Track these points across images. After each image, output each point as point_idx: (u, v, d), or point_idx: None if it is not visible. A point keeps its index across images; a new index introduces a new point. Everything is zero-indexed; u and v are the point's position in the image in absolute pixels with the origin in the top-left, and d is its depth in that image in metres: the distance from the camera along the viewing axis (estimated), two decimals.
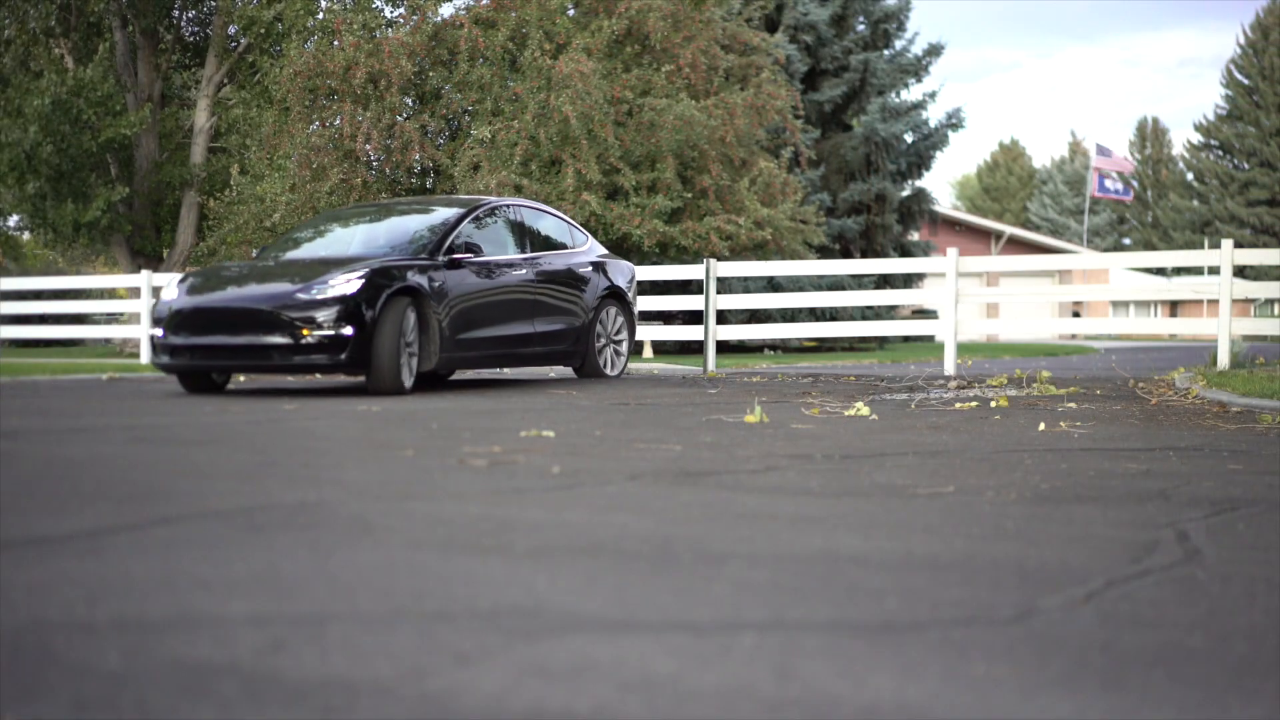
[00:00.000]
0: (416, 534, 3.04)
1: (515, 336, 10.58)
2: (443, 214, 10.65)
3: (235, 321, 9.17)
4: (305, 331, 8.93)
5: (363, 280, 9.07)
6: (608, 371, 11.71)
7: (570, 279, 11.33)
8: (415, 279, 9.43)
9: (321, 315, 8.95)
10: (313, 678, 1.80)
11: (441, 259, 9.89)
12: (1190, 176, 70.56)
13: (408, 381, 9.27)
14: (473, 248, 10.13)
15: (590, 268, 11.66)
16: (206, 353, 9.26)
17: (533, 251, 11.13)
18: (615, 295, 11.84)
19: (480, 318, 10.11)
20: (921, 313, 35.38)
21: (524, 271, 10.81)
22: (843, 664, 1.90)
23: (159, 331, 9.44)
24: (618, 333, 11.88)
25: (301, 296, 9.04)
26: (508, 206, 11.29)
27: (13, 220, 25.43)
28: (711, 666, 1.88)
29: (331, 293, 9.03)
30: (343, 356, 8.93)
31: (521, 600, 2.31)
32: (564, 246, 11.58)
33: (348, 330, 8.90)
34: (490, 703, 1.70)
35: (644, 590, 2.42)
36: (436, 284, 9.64)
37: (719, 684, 1.80)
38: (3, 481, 4.06)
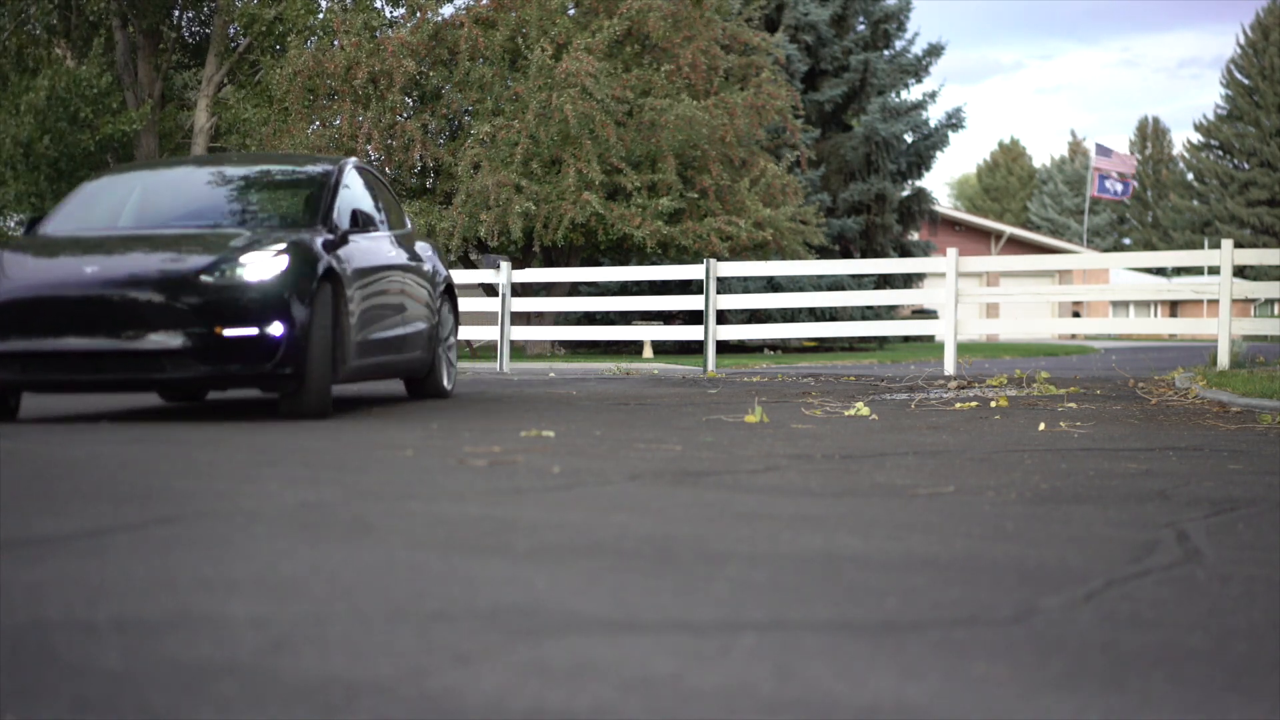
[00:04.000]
0: (416, 534, 3.04)
1: (395, 339, 7.98)
2: (299, 170, 8.32)
3: (99, 315, 6.39)
4: (219, 330, 6.34)
5: (289, 258, 6.58)
6: (446, 385, 9.00)
7: (421, 265, 8.67)
8: (330, 260, 6.91)
9: (242, 304, 6.41)
10: (313, 678, 1.80)
11: (331, 233, 7.24)
12: (1190, 176, 70.55)
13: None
14: (365, 219, 7.53)
15: (430, 250, 9.12)
16: (49, 365, 6.48)
17: (390, 228, 8.45)
18: (450, 288, 9.23)
19: (375, 315, 7.62)
20: (921, 313, 35.39)
21: (397, 254, 8.26)
22: (843, 664, 1.90)
23: None
24: (449, 336, 9.17)
25: (208, 279, 6.43)
26: (366, 168, 8.59)
27: (13, 221, 25.43)
28: (711, 666, 1.88)
29: (253, 274, 6.47)
30: (269, 366, 6.42)
31: (521, 600, 2.31)
32: (402, 224, 8.93)
33: (277, 329, 6.39)
34: (490, 703, 1.70)
35: (644, 590, 2.42)
36: (343, 267, 7.10)
37: (719, 684, 1.80)
38: (3, 481, 4.06)
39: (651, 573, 2.59)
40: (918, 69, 34.30)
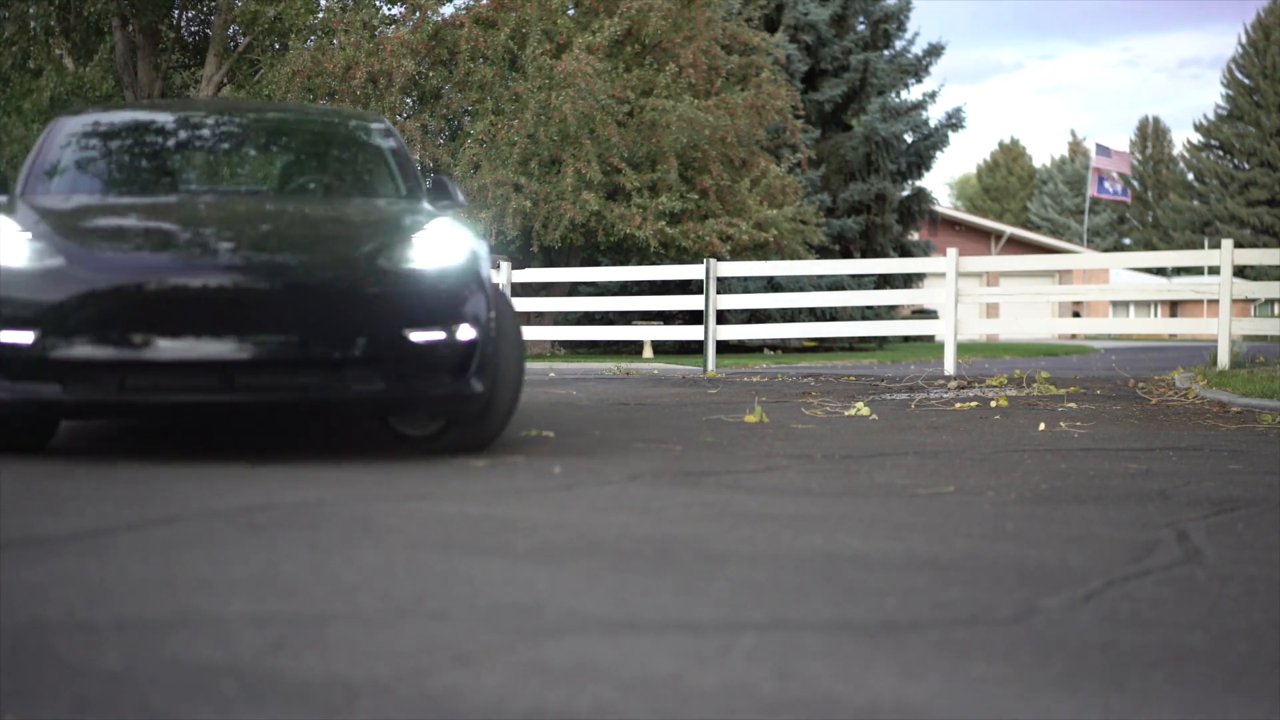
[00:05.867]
0: (416, 534, 3.04)
1: None
2: (348, 123, 6.57)
3: (236, 312, 4.48)
4: (407, 333, 4.65)
5: (463, 239, 5.03)
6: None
7: None
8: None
9: (426, 299, 4.74)
10: (313, 678, 1.80)
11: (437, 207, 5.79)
12: (1190, 176, 70.53)
13: None
14: (441, 189, 6.03)
15: None
16: (161, 379, 4.45)
17: None
18: None
19: None
20: (921, 313, 35.38)
21: None
22: (843, 664, 1.90)
23: (25, 335, 4.43)
24: None
25: (384, 265, 4.75)
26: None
27: None
28: (711, 666, 1.88)
29: (431, 258, 4.85)
30: (459, 382, 4.77)
31: (521, 600, 2.31)
32: None
33: (467, 332, 4.78)
34: (490, 703, 1.70)
35: (644, 590, 2.42)
36: None
37: (719, 684, 1.80)
38: (3, 481, 4.06)
39: (651, 573, 2.59)
40: (918, 69, 34.29)
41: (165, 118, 6.46)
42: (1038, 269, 40.28)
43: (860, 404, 7.67)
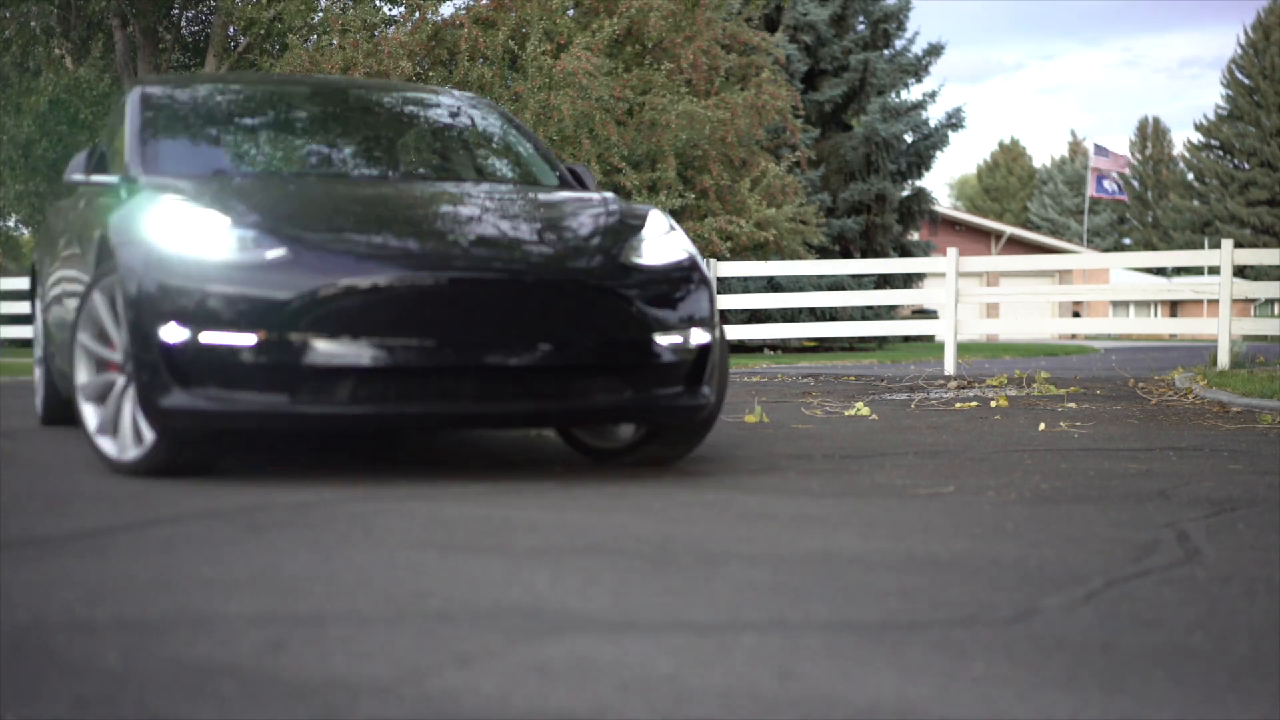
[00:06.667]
0: (416, 534, 3.04)
1: None
2: (463, 105, 5.97)
3: (477, 313, 3.97)
4: (654, 336, 4.22)
5: (679, 234, 4.63)
6: None
7: None
8: None
9: (665, 301, 4.30)
10: (313, 678, 1.80)
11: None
12: (1190, 176, 70.52)
13: None
14: (577, 178, 5.51)
15: None
16: (397, 387, 3.89)
17: None
18: None
19: None
20: (921, 313, 35.37)
21: None
22: (843, 664, 1.90)
23: (245, 337, 3.81)
24: None
25: (635, 261, 4.33)
26: None
27: (12, 220, 25.48)
28: (711, 666, 1.88)
29: (661, 255, 4.43)
30: (694, 390, 4.35)
31: (521, 600, 2.31)
32: None
33: (701, 336, 4.36)
34: (490, 703, 1.70)
35: (644, 590, 2.42)
36: None
37: (719, 684, 1.80)
38: (3, 481, 4.06)
39: (651, 573, 2.59)
40: (918, 69, 34.28)
41: (273, 91, 5.81)
42: (1038, 269, 40.28)
43: (860, 404, 7.67)
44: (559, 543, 2.93)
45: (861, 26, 33.62)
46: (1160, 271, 53.80)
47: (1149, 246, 70.09)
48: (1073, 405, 7.99)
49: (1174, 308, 51.06)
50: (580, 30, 21.49)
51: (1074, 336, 43.74)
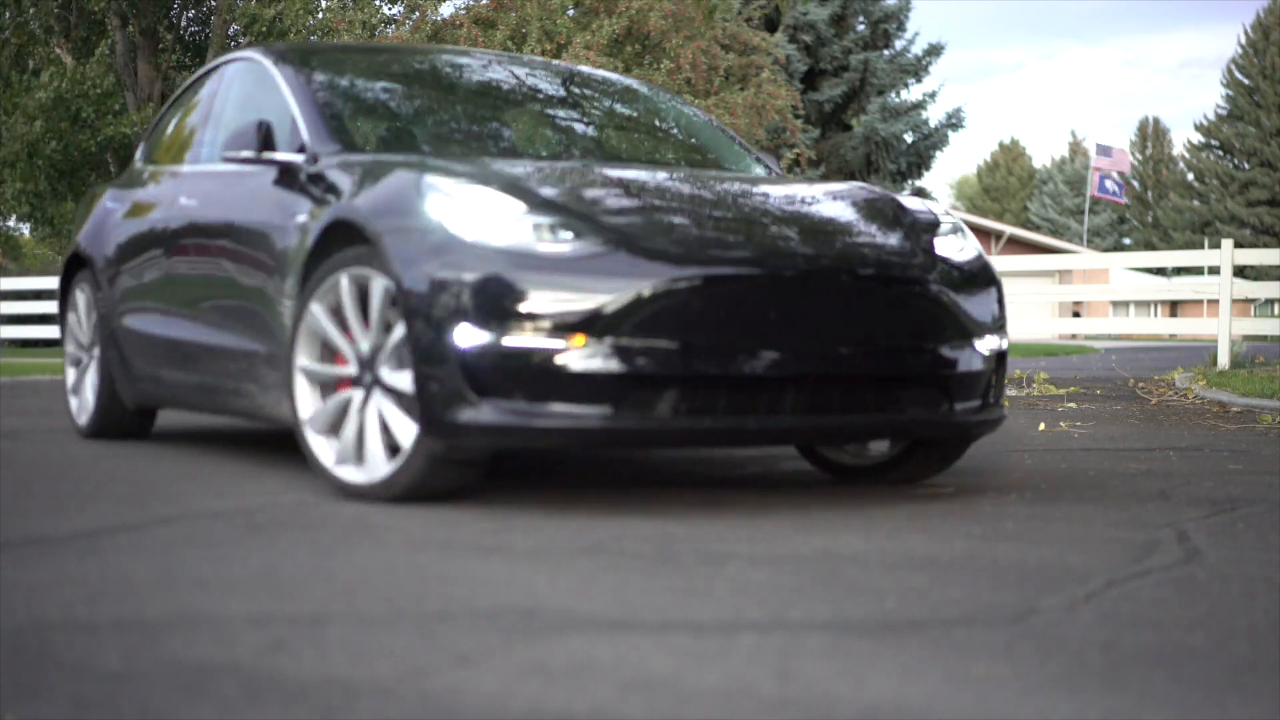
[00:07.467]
0: (416, 534, 3.04)
1: None
2: (641, 87, 5.57)
3: (808, 317, 3.52)
4: (976, 342, 3.83)
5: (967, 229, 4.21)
6: None
7: None
8: None
9: (976, 303, 3.89)
10: (313, 678, 1.80)
11: None
12: (1190, 176, 70.52)
13: None
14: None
15: None
16: (717, 397, 3.41)
17: None
18: None
19: None
20: None
21: None
22: (843, 664, 1.90)
23: (555, 340, 3.27)
24: None
25: (939, 256, 3.88)
26: None
27: (13, 221, 25.52)
28: (711, 666, 1.88)
29: (963, 253, 3.99)
30: (984, 403, 3.94)
31: (521, 600, 2.31)
32: None
33: (999, 342, 3.99)
34: (490, 703, 1.70)
35: (644, 590, 2.42)
36: None
37: (719, 684, 1.80)
38: (3, 481, 4.06)
39: (651, 573, 2.59)
40: (918, 69, 34.28)
41: (445, 64, 5.13)
42: (1038, 269, 40.29)
43: None
44: (559, 543, 2.93)
45: (861, 26, 33.62)
46: (1160, 271, 53.79)
47: (1149, 246, 70.07)
48: (1073, 405, 7.99)
49: (1174, 308, 51.07)
50: (580, 30, 21.49)
51: (1074, 336, 43.74)
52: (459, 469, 3.50)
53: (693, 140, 5.20)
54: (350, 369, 3.59)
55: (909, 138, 33.17)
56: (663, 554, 2.80)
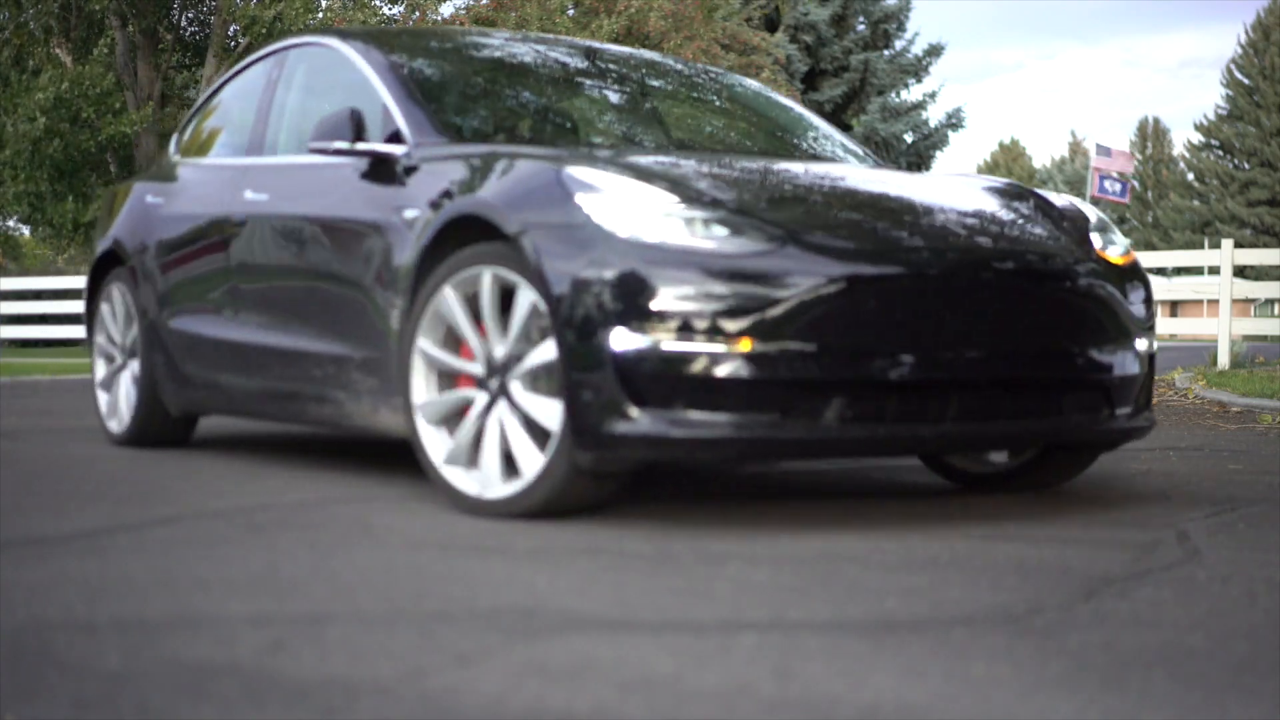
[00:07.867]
0: (416, 534, 3.04)
1: None
2: (727, 76, 5.34)
3: (975, 319, 3.31)
4: (1139, 344, 3.69)
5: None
6: None
7: None
8: None
9: (1136, 302, 3.73)
10: (313, 678, 1.80)
11: None
12: (1191, 176, 70.52)
13: None
14: None
15: None
16: (885, 403, 3.20)
17: None
18: None
19: None
20: None
21: None
22: (843, 664, 1.90)
23: (728, 344, 3.03)
24: None
25: (1105, 253, 3.76)
26: None
27: (12, 221, 25.52)
28: (711, 666, 1.88)
29: (1118, 247, 3.83)
30: (1151, 410, 3.87)
31: (521, 600, 2.31)
32: None
33: (1150, 345, 3.81)
34: (490, 703, 1.70)
35: (644, 590, 2.42)
36: None
37: (719, 684, 1.80)
38: (3, 481, 4.06)
39: (651, 573, 2.59)
40: (918, 69, 34.29)
41: (523, 49, 4.85)
42: None
43: None
44: (559, 543, 2.93)
45: (861, 27, 33.62)
46: (1160, 271, 53.72)
47: (1149, 246, 70.02)
48: None
49: (1174, 308, 51.06)
50: (580, 29, 21.49)
51: None
52: (599, 484, 3.25)
53: (800, 130, 4.96)
54: (476, 368, 3.37)
55: (909, 138, 33.17)
56: (663, 554, 2.80)
